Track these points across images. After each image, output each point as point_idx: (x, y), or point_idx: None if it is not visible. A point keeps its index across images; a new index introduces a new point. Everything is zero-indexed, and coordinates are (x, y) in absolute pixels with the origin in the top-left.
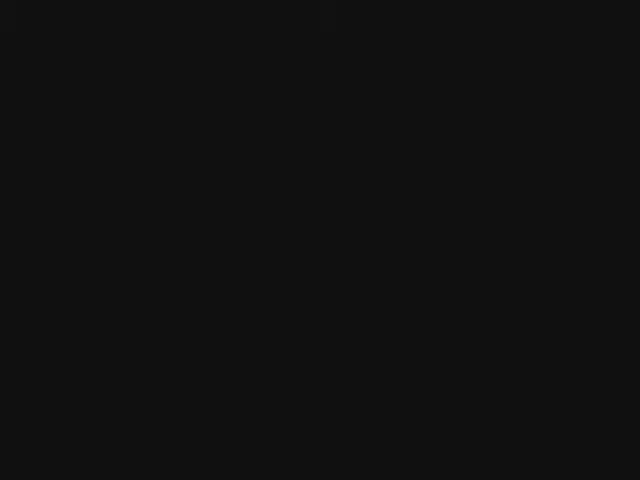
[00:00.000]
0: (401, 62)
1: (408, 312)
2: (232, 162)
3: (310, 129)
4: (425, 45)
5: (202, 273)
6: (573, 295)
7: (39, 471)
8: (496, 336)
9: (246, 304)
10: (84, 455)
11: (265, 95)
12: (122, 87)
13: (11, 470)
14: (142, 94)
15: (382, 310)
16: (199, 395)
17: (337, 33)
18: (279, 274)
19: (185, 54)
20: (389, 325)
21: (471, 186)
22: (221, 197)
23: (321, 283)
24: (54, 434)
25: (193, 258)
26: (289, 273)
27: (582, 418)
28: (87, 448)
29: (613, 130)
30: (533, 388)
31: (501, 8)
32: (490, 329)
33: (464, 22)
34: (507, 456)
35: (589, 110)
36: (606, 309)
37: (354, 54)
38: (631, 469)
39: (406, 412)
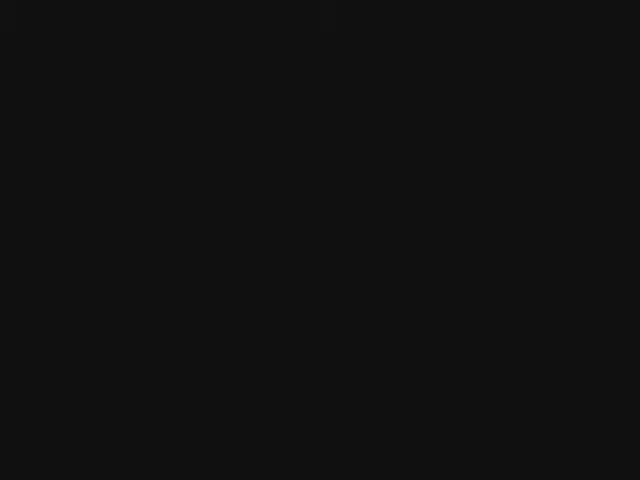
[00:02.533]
0: (401, 62)
1: (408, 312)
2: (232, 162)
3: (310, 129)
4: (425, 45)
5: (202, 273)
6: (573, 295)
7: (39, 471)
8: (496, 336)
9: (246, 304)
10: (84, 455)
11: (265, 95)
12: (122, 87)
13: (11, 470)
14: (142, 94)
15: (382, 310)
16: (199, 395)
17: (337, 33)
18: (279, 274)
19: (185, 54)
20: (389, 325)
21: (471, 186)
22: (221, 197)
23: (321, 283)
24: (54, 434)
25: (193, 258)
26: (289, 273)
27: (582, 418)
28: (87, 448)
29: (613, 130)
30: (533, 388)
31: (502, 8)
32: (490, 329)
33: (464, 22)
34: (507, 456)
35: (589, 110)
36: (606, 309)
37: (354, 54)
38: (631, 469)
39: (405, 412)
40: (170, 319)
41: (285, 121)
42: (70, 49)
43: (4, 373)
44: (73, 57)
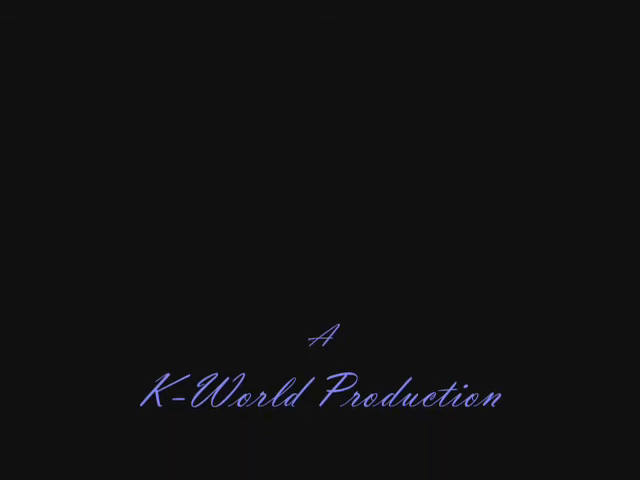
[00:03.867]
0: (401, 63)
1: (408, 312)
2: (231, 163)
3: (309, 129)
4: (426, 46)
5: (202, 273)
6: (573, 296)
7: (39, 471)
8: (496, 337)
9: (246, 305)
10: (83, 455)
11: (264, 95)
12: (123, 87)
13: (11, 470)
14: (141, 94)
15: (382, 310)
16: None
17: (337, 33)
18: (279, 275)
19: (185, 54)
20: (389, 325)
21: (471, 187)
22: (220, 197)
23: (321, 284)
24: (54, 434)
25: (193, 258)
26: (289, 274)
27: (583, 418)
28: (87, 448)
29: (613, 132)
30: (533, 389)
31: (503, 9)
32: (490, 330)
33: (465, 23)
34: (507, 456)
35: (589, 112)
36: (606, 310)
37: (354, 54)
38: (631, 469)
39: (405, 413)
40: (170, 319)
41: (284, 121)
42: (70, 49)
43: (4, 373)
44: (73, 57)
